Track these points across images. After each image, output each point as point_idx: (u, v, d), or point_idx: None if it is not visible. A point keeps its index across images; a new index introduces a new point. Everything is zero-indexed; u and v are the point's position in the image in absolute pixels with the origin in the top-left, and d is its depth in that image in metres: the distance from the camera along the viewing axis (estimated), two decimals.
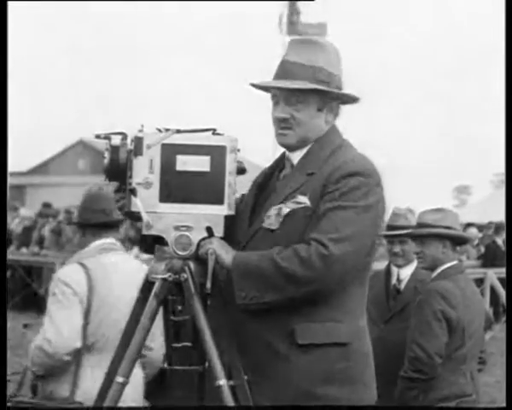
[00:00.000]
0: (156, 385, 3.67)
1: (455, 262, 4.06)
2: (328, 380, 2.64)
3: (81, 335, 3.50)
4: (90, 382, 3.41)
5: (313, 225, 2.61)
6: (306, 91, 2.69)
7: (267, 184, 2.84)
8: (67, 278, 3.56)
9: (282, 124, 2.73)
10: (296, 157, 2.76)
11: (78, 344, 3.48)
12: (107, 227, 3.74)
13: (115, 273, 3.63)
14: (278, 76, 2.74)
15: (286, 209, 2.66)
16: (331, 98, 2.75)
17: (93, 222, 3.71)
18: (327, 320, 2.66)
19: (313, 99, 2.71)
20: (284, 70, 2.73)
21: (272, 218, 2.67)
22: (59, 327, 3.47)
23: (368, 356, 2.77)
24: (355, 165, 2.67)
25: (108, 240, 3.74)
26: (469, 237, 4.32)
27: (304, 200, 2.65)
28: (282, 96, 2.72)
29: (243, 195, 2.89)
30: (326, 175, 2.66)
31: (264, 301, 2.58)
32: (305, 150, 2.75)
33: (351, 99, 2.81)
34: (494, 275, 11.56)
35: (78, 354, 3.50)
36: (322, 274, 2.55)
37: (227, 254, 2.62)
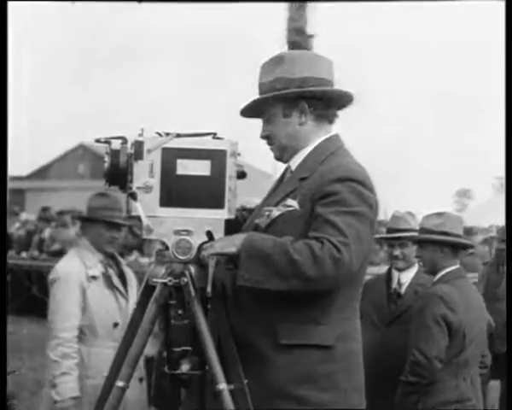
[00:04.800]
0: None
1: (456, 267, 4.05)
2: (307, 382, 2.64)
3: None
4: None
5: (308, 225, 2.63)
6: (269, 105, 2.80)
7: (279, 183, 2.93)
8: None
9: (266, 142, 2.85)
10: (294, 164, 2.84)
11: None
12: None
13: None
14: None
15: (276, 213, 2.72)
16: (293, 99, 2.77)
17: None
18: (310, 322, 2.66)
19: (277, 109, 2.79)
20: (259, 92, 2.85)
21: (263, 218, 2.74)
22: None
23: (355, 362, 2.76)
24: (347, 170, 2.69)
25: None
26: (468, 243, 4.29)
27: (293, 203, 2.70)
28: (264, 116, 2.85)
29: None
30: (317, 178, 2.70)
31: (265, 288, 2.56)
32: (302, 158, 2.81)
33: (335, 96, 2.82)
34: None
35: None
36: (331, 276, 2.55)
37: (232, 247, 2.59)
